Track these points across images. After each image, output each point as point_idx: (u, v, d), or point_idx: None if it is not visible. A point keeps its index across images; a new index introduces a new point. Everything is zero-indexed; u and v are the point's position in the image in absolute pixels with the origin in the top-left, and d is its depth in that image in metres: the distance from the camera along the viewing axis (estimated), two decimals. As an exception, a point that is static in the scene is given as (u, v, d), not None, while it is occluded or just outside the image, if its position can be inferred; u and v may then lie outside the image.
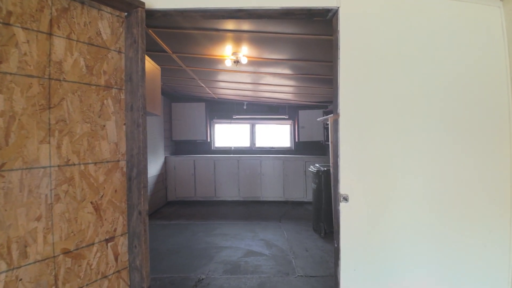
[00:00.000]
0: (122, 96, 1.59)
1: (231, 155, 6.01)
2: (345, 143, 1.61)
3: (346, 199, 1.60)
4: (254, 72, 3.51)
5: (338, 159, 1.62)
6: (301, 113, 6.13)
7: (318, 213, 3.86)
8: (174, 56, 3.00)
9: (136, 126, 1.54)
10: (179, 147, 6.57)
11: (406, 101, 1.59)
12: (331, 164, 3.51)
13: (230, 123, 6.52)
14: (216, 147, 6.65)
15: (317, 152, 6.48)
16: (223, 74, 3.78)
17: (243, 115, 6.34)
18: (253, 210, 5.27)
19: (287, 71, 3.38)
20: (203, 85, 4.53)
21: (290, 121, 6.57)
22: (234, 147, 6.54)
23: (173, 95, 6.08)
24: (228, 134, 6.63)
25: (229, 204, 5.71)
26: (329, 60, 2.82)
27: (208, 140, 6.28)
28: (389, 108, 1.60)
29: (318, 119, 4.33)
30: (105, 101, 1.53)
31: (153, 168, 5.26)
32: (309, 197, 5.74)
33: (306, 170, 5.77)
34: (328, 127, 5.49)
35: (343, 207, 1.61)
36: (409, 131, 1.59)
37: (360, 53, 1.61)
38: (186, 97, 6.14)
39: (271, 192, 5.82)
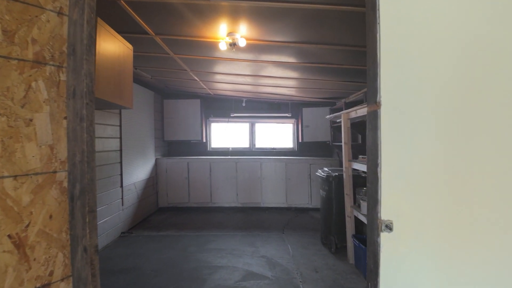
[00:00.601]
0: (62, 77, 1.09)
1: (229, 157, 5.51)
2: (389, 145, 1.11)
3: (389, 227, 1.11)
4: (254, 61, 3.02)
5: (378, 169, 1.13)
6: (305, 111, 5.64)
7: (328, 225, 3.37)
8: (157, 39, 2.50)
9: (79, 120, 1.04)
10: (171, 148, 6.07)
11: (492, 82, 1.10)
12: (344, 171, 3.03)
13: (228, 122, 6.02)
14: (212, 148, 6.15)
15: (323, 153, 5.99)
16: (219, 64, 3.29)
17: (242, 113, 5.85)
18: (253, 218, 4.77)
19: (292, 59, 2.89)
20: (196, 78, 4.04)
21: (293, 120, 6.09)
22: (232, 148, 6.05)
23: (165, 91, 5.58)
24: (225, 134, 6.13)
25: (226, 211, 5.22)
26: (347, 44, 2.33)
27: (204, 141, 5.79)
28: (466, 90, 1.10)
29: (327, 116, 3.85)
30: (33, 84, 1.03)
31: (142, 171, 4.76)
32: (314, 203, 5.25)
33: (311, 174, 5.29)
34: (336, 126, 5.01)
35: (385, 239, 1.11)
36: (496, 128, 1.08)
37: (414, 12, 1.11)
38: (179, 93, 5.64)
39: (273, 197, 5.33)
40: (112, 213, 3.86)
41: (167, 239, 3.80)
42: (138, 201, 4.61)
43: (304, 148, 6.03)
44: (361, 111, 2.60)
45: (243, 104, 5.72)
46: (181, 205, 5.39)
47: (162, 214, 5.12)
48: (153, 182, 5.23)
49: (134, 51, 2.63)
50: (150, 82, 4.75)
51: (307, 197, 5.29)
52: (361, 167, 2.68)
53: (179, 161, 5.39)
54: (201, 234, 3.99)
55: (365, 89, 3.77)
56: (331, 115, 3.62)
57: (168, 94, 5.73)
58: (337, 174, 3.25)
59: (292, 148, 6.15)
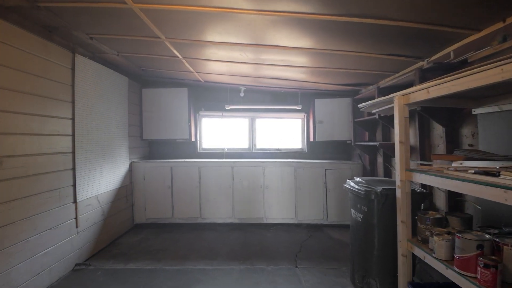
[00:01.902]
0: None
1: (223, 160, 4.47)
2: None
3: None
4: (257, 12, 1.99)
5: None
6: (318, 103, 4.61)
7: (366, 261, 2.35)
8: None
9: None
10: (152, 149, 5.02)
11: None
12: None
13: (222, 116, 4.98)
14: (203, 149, 5.10)
15: (340, 155, 4.97)
16: (206, 24, 2.25)
17: (240, 105, 4.80)
18: (254, 240, 3.74)
19: (308, 7, 1.86)
20: (176, 52, 3.00)
21: (302, 114, 5.05)
22: (227, 149, 5.00)
23: (143, 78, 4.52)
24: (219, 132, 5.09)
25: (220, 229, 4.18)
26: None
27: (192, 140, 4.74)
28: None
29: (361, 105, 2.74)
30: None
31: (110, 179, 3.70)
32: (331, 219, 4.24)
33: (326, 181, 4.26)
34: (361, 121, 3.98)
35: None
36: None
37: None
38: (162, 80, 4.58)
39: (279, 211, 4.30)
40: (60, 240, 2.80)
41: (136, 278, 2.75)
42: (103, 219, 3.56)
43: (316, 149, 5.00)
44: (447, 87, 1.54)
45: (241, 94, 4.68)
46: (162, 221, 4.34)
47: (138, 233, 4.07)
48: (126, 192, 4.17)
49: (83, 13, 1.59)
50: (122, 64, 3.69)
51: (322, 211, 4.26)
52: (435, 182, 1.66)
53: (160, 166, 4.34)
54: (184, 268, 2.94)
55: (414, 68, 2.69)
56: (366, 103, 2.59)
57: (147, 82, 4.67)
58: (383, 189, 2.22)
59: (301, 149, 5.12)
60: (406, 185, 1.97)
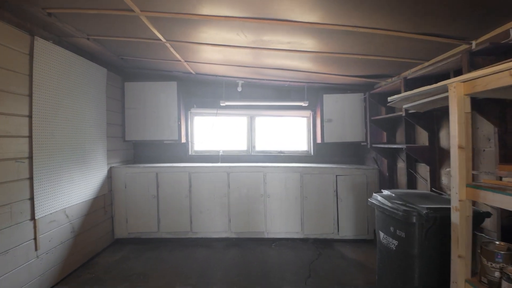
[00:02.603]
0: None
1: (218, 165, 3.94)
2: None
3: None
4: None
5: None
6: (327, 99, 4.09)
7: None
8: None
9: None
10: (137, 152, 4.47)
11: None
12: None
13: (217, 114, 4.44)
14: (195, 152, 4.56)
15: (350, 159, 4.45)
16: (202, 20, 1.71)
17: (237, 102, 4.26)
18: (254, 261, 3.20)
19: None
20: (161, 37, 2.46)
21: (308, 112, 4.53)
22: (222, 152, 4.46)
23: (126, 70, 3.97)
24: (213, 132, 4.55)
25: (214, 245, 3.64)
26: None
27: (183, 141, 4.20)
28: None
29: (391, 98, 2.19)
30: None
31: (84, 187, 3.16)
32: (343, 233, 3.71)
33: (337, 189, 3.74)
34: (378, 120, 3.46)
35: None
36: None
37: None
38: (147, 72, 4.03)
39: (282, 224, 3.77)
40: (13, 267, 2.26)
41: (105, 317, 2.20)
42: (73, 237, 3.01)
43: (324, 151, 4.48)
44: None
45: (239, 89, 4.14)
46: (147, 236, 3.79)
47: (118, 250, 3.52)
48: (105, 202, 3.62)
49: None
50: (97, 52, 3.15)
51: (333, 223, 3.74)
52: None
53: (143, 171, 3.79)
54: (167, 301, 2.40)
55: (455, 52, 2.06)
56: (397, 96, 2.06)
57: (131, 75, 4.12)
58: (429, 210, 1.69)
59: (307, 151, 4.59)
60: (467, 207, 1.44)
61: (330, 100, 4.09)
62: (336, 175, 3.75)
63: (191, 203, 3.76)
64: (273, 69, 3.35)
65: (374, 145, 3.58)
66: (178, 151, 4.44)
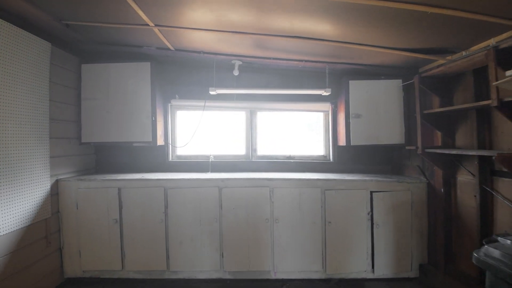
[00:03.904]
0: None
1: (207, 177, 2.94)
2: None
3: None
4: None
5: None
6: (354, 86, 3.12)
7: None
8: None
9: None
10: (100, 158, 3.45)
11: None
12: None
13: (205, 108, 3.43)
14: (177, 157, 3.56)
15: (382, 167, 3.49)
16: None
17: (233, 90, 3.26)
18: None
19: None
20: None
21: (326, 105, 3.53)
22: (214, 158, 3.46)
23: (84, 49, 2.96)
24: (201, 131, 3.55)
25: (200, 291, 2.64)
26: None
27: (160, 143, 3.20)
28: None
29: None
30: None
31: (13, 210, 2.16)
32: (380, 271, 2.74)
33: (373, 210, 2.76)
34: (432, 115, 2.48)
35: None
36: None
37: None
38: (111, 50, 3.02)
39: (296, 260, 2.77)
40: None
41: None
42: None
43: (346, 156, 3.49)
44: None
45: (235, 73, 3.13)
46: (109, 275, 2.79)
47: (63, 300, 2.52)
48: (47, 230, 2.61)
49: None
50: (30, 14, 2.15)
51: (366, 257, 2.76)
52: None
53: (102, 186, 2.78)
54: None
55: None
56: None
57: (90, 54, 3.11)
58: None
59: (324, 156, 3.61)
60: None
61: (358, 88, 3.11)
62: (371, 191, 2.78)
63: (167, 231, 2.76)
64: (284, 38, 2.34)
65: (428, 150, 2.60)
66: (155, 157, 3.43)
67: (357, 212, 2.76)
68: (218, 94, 3.24)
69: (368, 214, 2.77)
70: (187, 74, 3.42)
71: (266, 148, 3.59)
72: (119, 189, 2.75)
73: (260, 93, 3.34)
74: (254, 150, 3.53)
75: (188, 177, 2.84)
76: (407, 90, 3.08)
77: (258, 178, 2.83)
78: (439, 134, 2.70)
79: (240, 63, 3.05)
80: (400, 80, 3.09)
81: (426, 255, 2.82)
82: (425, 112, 2.65)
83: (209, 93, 3.13)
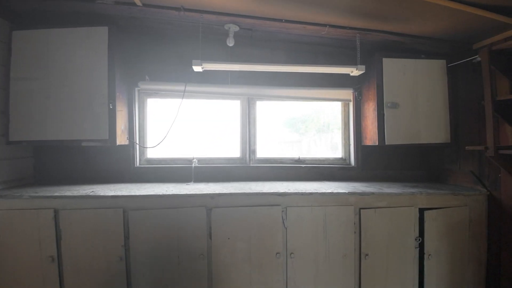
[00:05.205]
0: None
1: (189, 189, 2.10)
2: None
3: None
4: None
5: None
6: (389, 65, 2.39)
7: None
8: None
9: None
10: (40, 163, 2.50)
11: None
12: None
13: (185, 94, 2.56)
14: (147, 162, 2.68)
15: (416, 173, 2.78)
16: None
17: (224, 65, 2.42)
18: None
19: None
20: None
21: (347, 92, 2.76)
22: (198, 161, 2.61)
23: (14, 8, 2.04)
24: (180, 126, 2.70)
25: None
26: None
27: (120, 142, 2.31)
28: None
29: None
30: None
31: None
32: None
33: (424, 235, 2.03)
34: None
35: None
36: None
37: None
38: (54, 11, 2.10)
39: (317, 308, 2.00)
40: None
41: None
42: None
43: (373, 159, 2.75)
44: None
45: (229, 43, 2.29)
46: None
47: None
48: None
49: None
50: None
51: (414, 303, 2.02)
52: None
53: (32, 207, 1.87)
54: None
55: None
56: None
57: (23, 18, 2.18)
58: None
59: (343, 159, 2.85)
60: None
61: (394, 69, 2.39)
62: (420, 208, 2.04)
63: (130, 273, 1.89)
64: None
65: (501, 151, 1.89)
66: (116, 161, 2.53)
67: (403, 238, 2.02)
68: (205, 76, 2.39)
69: (416, 240, 2.03)
70: (161, 46, 2.55)
71: (268, 148, 2.80)
72: (56, 212, 1.86)
73: (262, 71, 2.51)
74: (252, 151, 2.72)
75: (161, 193, 1.98)
76: (454, 73, 2.39)
77: (264, 192, 2.02)
78: (509, 129, 2.01)
79: (237, 28, 2.21)
80: (444, 61, 2.42)
81: (484, 290, 2.15)
82: (498, 99, 1.93)
83: (192, 72, 2.27)
